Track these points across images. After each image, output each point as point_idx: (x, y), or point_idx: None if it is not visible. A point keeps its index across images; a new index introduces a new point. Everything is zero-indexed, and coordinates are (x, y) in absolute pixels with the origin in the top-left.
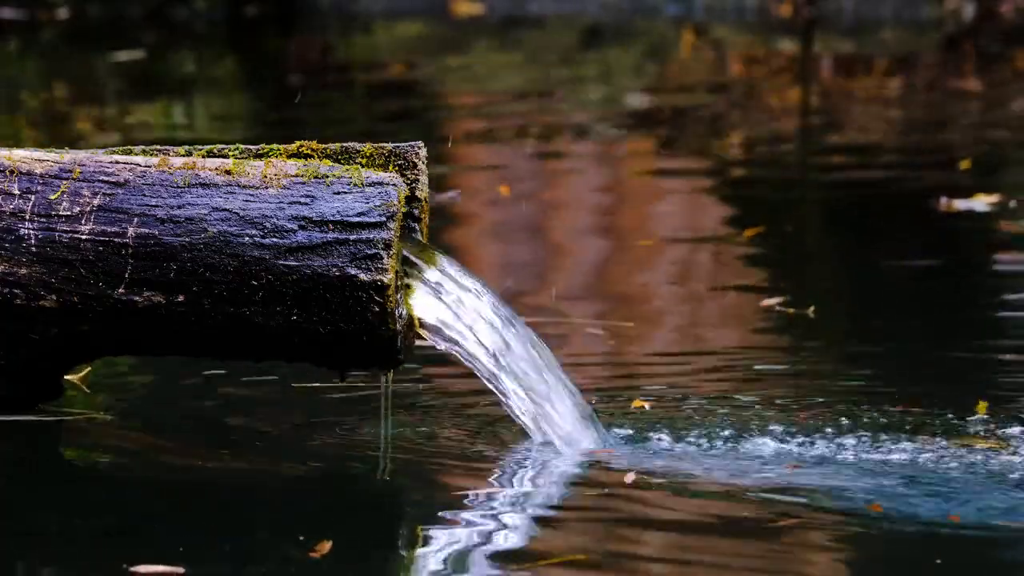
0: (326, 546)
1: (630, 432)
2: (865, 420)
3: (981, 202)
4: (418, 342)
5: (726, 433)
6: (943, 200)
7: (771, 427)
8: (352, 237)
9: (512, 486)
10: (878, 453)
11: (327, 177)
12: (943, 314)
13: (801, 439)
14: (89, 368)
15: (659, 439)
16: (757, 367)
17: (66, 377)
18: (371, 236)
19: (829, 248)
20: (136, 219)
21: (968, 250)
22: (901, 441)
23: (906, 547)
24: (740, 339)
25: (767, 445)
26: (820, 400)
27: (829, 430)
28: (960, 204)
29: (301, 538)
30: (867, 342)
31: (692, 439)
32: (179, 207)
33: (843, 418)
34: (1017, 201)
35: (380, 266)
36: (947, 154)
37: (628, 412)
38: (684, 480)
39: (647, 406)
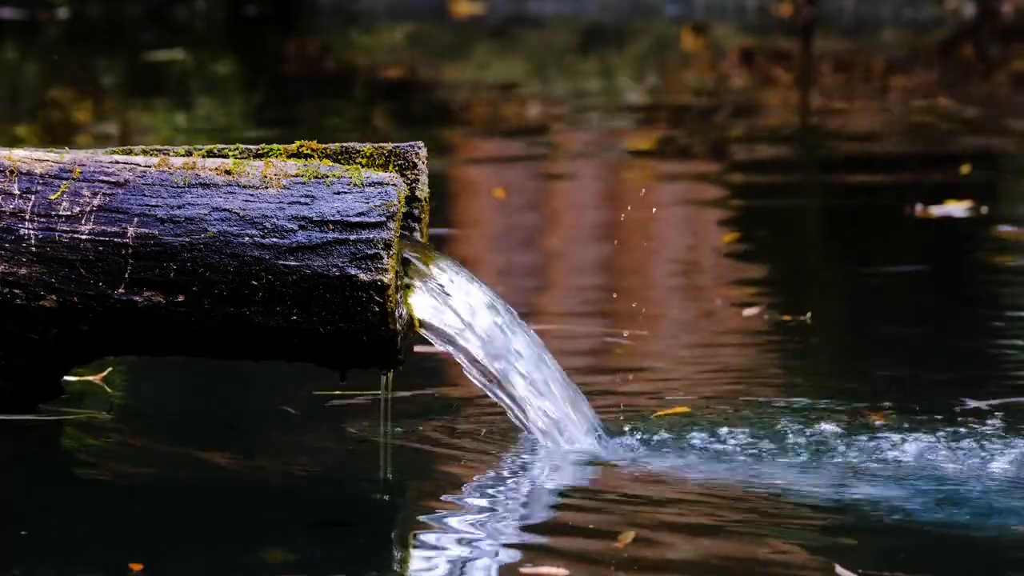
0: None
1: (638, 437)
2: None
3: (958, 208)
4: (419, 347)
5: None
6: (918, 206)
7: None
8: (352, 237)
9: (513, 486)
10: (987, 458)
11: (327, 177)
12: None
13: (874, 444)
14: (110, 368)
15: (701, 442)
16: (769, 371)
17: (86, 377)
18: (371, 236)
19: (826, 253)
20: (136, 219)
21: (957, 254)
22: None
23: None
24: (743, 340)
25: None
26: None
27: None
28: (936, 210)
29: (302, 539)
30: (872, 344)
31: (764, 445)
32: (179, 207)
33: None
34: (990, 207)
35: (380, 266)
36: (945, 157)
37: (634, 416)
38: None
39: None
